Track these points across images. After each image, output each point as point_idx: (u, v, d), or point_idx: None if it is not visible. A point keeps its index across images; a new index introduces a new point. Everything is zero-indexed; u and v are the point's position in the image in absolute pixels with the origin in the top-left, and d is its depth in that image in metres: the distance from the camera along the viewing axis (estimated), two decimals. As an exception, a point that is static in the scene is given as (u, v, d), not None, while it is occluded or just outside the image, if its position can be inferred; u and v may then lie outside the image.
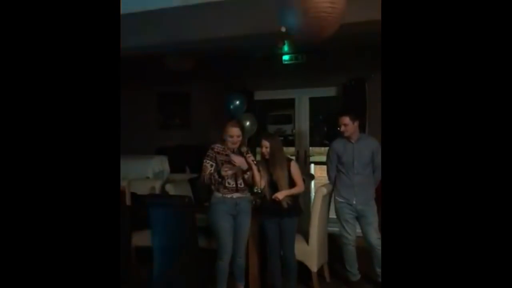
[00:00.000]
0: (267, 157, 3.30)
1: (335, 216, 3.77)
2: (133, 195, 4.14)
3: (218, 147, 3.27)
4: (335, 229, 4.92)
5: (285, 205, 3.22)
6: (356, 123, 3.49)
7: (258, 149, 5.74)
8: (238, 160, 3.18)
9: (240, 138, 3.24)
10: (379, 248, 3.39)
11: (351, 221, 3.56)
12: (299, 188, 3.30)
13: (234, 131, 3.21)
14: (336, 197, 3.63)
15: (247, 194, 3.30)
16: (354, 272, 3.62)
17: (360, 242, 3.65)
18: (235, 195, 3.22)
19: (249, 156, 3.28)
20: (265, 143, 3.29)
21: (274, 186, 3.26)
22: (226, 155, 3.23)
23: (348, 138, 3.53)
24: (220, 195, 3.20)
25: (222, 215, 3.17)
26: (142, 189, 4.26)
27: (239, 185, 3.23)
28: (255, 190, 3.36)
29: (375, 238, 3.44)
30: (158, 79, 5.92)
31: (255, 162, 3.28)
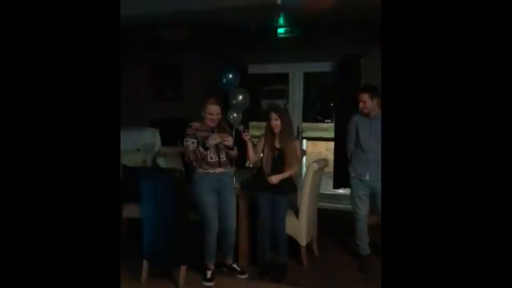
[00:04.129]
0: (275, 130, 3.27)
1: (325, 192, 3.79)
2: (124, 167, 4.12)
3: (196, 124, 3.25)
4: (325, 204, 4.99)
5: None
6: (375, 101, 3.42)
7: (251, 123, 5.76)
8: (221, 136, 3.17)
9: (219, 116, 3.23)
10: None
11: (364, 198, 3.59)
12: (296, 168, 3.31)
13: (214, 109, 3.19)
14: (350, 172, 3.65)
15: (229, 169, 3.31)
16: (363, 246, 3.67)
17: (370, 219, 3.68)
18: (218, 170, 3.23)
19: (246, 135, 3.26)
20: (275, 115, 3.26)
21: (278, 161, 3.26)
22: (206, 131, 3.21)
23: (367, 115, 3.50)
24: (202, 170, 3.21)
25: (206, 190, 3.20)
26: (133, 161, 4.24)
27: (221, 160, 3.23)
28: (247, 165, 3.36)
29: None
30: (151, 50, 5.81)
31: (250, 139, 3.28)
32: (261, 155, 3.32)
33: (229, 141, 3.19)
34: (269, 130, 3.33)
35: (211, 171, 3.22)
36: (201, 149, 3.15)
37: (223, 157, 3.26)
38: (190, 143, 3.20)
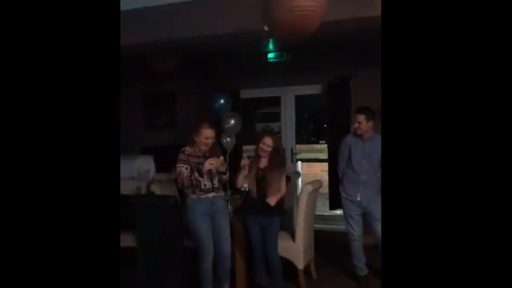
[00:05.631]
0: (263, 154, 3.25)
1: (320, 213, 3.78)
2: (118, 195, 4.09)
3: (188, 150, 3.24)
4: (321, 226, 4.97)
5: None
6: (371, 123, 3.45)
7: (245, 147, 5.77)
8: (218, 162, 3.18)
9: (213, 140, 3.24)
10: None
11: (356, 218, 3.58)
12: (283, 191, 3.31)
13: (209, 132, 3.20)
14: (341, 192, 3.65)
15: (222, 193, 3.31)
16: (361, 267, 3.64)
17: (365, 239, 3.67)
18: (211, 194, 3.21)
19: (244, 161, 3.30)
20: (268, 140, 3.23)
21: (260, 184, 3.25)
22: (198, 157, 3.21)
23: (360, 136, 3.52)
24: (195, 196, 3.18)
25: (199, 216, 3.16)
26: (128, 189, 4.22)
27: (214, 185, 3.23)
28: (242, 189, 3.36)
29: None
30: (143, 78, 5.87)
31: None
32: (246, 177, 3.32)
33: (223, 167, 3.21)
34: (257, 152, 3.33)
35: (204, 196, 3.21)
36: (197, 175, 3.14)
37: (216, 183, 3.26)
38: (184, 169, 3.18)
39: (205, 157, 3.21)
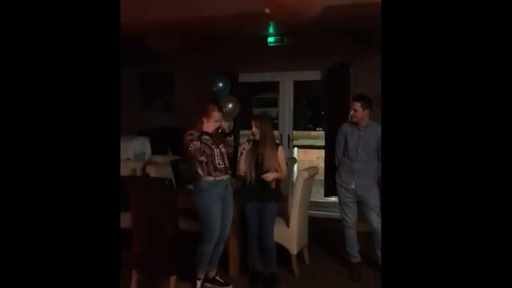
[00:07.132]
0: (257, 137, 3.27)
1: (316, 200, 3.78)
2: (114, 176, 4.07)
3: (194, 132, 3.17)
4: (316, 212, 4.99)
5: (273, 186, 3.25)
6: (367, 111, 3.43)
7: (241, 132, 5.75)
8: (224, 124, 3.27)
9: (219, 123, 3.25)
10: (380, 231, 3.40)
11: (351, 205, 3.58)
12: (282, 173, 3.31)
13: (218, 116, 3.21)
14: (337, 180, 3.65)
15: (230, 175, 3.32)
16: (354, 254, 3.65)
17: (360, 226, 3.68)
18: (225, 177, 3.22)
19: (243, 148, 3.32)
20: (256, 123, 3.28)
21: (259, 168, 3.25)
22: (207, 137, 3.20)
23: (356, 124, 3.51)
24: (212, 178, 3.15)
25: (216, 200, 3.15)
26: (123, 170, 4.19)
27: (226, 165, 3.22)
28: (242, 173, 3.35)
29: (376, 222, 3.43)
30: (141, 59, 5.79)
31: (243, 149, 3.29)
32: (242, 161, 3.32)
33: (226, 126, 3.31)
34: (252, 137, 3.33)
35: (219, 178, 3.17)
36: (207, 137, 3.11)
37: (227, 163, 3.25)
38: (198, 144, 3.08)
39: (213, 139, 3.19)
